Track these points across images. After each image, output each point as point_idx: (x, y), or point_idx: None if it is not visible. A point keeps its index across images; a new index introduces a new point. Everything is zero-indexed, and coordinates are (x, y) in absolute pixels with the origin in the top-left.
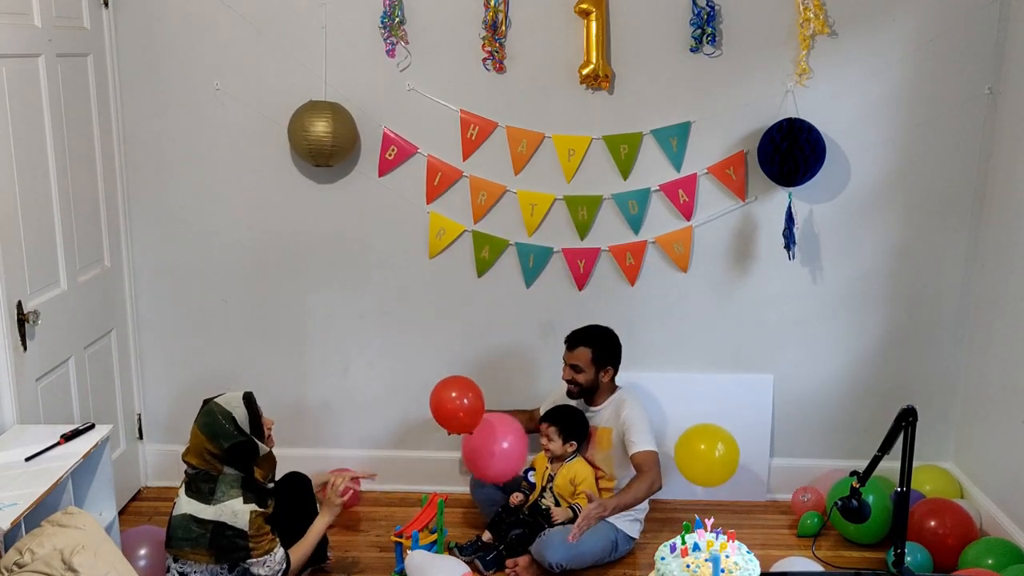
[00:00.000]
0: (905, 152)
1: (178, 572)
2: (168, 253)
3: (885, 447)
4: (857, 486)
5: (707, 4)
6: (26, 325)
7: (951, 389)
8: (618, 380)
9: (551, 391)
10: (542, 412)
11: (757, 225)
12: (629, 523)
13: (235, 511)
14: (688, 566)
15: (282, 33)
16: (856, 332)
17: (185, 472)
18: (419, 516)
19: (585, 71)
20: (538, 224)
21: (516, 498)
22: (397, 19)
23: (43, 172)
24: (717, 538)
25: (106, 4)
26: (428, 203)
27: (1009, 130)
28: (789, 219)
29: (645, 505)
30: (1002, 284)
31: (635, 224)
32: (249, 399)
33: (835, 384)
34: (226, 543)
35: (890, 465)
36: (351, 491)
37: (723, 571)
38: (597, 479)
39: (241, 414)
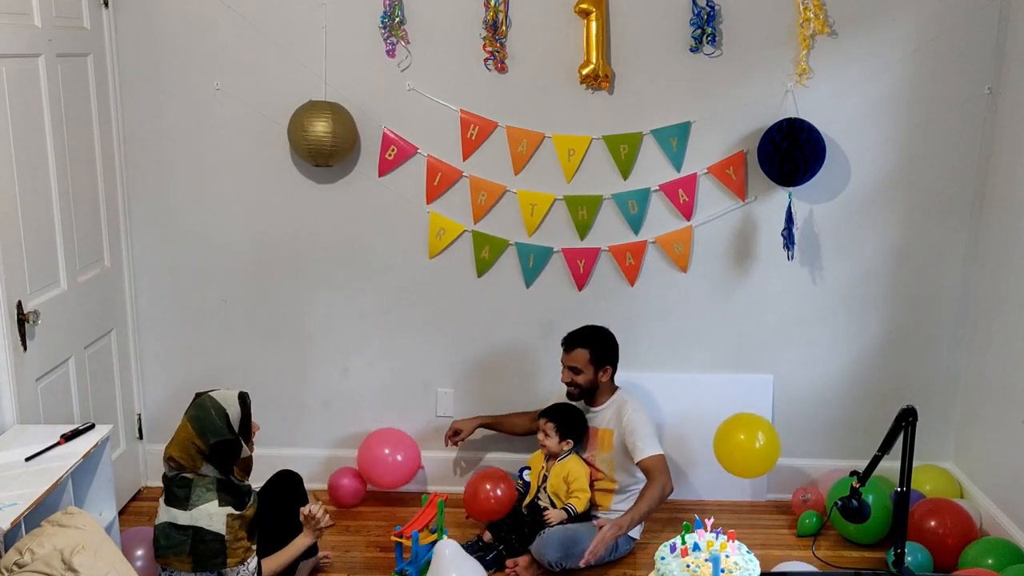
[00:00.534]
0: (905, 152)
1: None
2: (168, 253)
3: (885, 447)
4: (857, 486)
5: (707, 4)
6: (26, 325)
7: (951, 389)
8: (617, 380)
9: (553, 393)
10: (539, 415)
11: (757, 225)
12: None
13: (210, 514)
14: (688, 566)
15: (282, 33)
16: (856, 332)
17: (163, 477)
18: (419, 516)
19: (585, 71)
20: (538, 224)
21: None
22: (397, 19)
23: (43, 172)
24: (717, 538)
25: (106, 4)
26: (428, 203)
27: (1009, 130)
28: (789, 219)
29: None
30: (1002, 284)
31: (635, 224)
32: (244, 399)
33: (835, 384)
34: (204, 549)
35: (890, 465)
36: (332, 524)
37: (723, 571)
38: (596, 480)
39: (235, 412)
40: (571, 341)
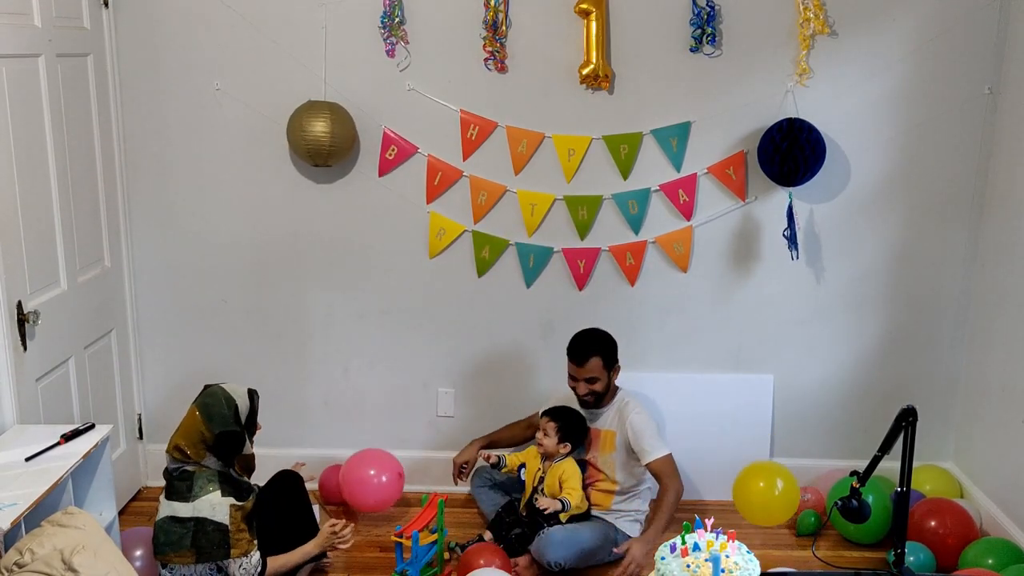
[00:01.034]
0: (905, 152)
1: None
2: (168, 253)
3: (885, 447)
4: (857, 486)
5: (707, 4)
6: (26, 325)
7: (951, 389)
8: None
9: (551, 394)
10: (542, 413)
11: (757, 225)
12: (629, 523)
13: (213, 504)
14: (688, 566)
15: (282, 33)
16: (856, 332)
17: (164, 473)
18: (419, 516)
19: (585, 71)
20: (538, 224)
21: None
22: (397, 19)
23: (43, 172)
24: (717, 538)
25: (106, 4)
26: (428, 203)
27: (1009, 130)
28: (791, 220)
29: (645, 506)
30: (1002, 284)
31: (635, 224)
32: (253, 395)
33: (835, 384)
34: (207, 540)
35: (890, 465)
36: (351, 542)
37: (723, 571)
38: (597, 481)
39: (244, 405)
40: (583, 352)
